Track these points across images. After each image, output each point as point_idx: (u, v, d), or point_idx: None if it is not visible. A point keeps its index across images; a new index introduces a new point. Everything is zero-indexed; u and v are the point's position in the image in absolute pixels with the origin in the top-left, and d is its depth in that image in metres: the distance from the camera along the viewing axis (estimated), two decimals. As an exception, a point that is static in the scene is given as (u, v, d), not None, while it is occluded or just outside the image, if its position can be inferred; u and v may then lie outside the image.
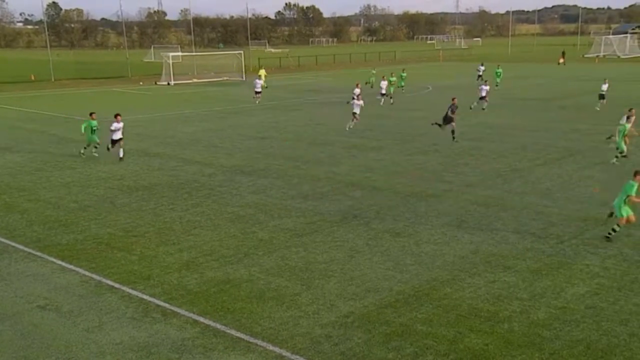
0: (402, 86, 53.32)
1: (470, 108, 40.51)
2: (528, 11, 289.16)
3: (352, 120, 33.27)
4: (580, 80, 63.96)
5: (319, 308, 12.24)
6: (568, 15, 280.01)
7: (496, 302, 12.32)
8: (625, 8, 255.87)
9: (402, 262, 14.56)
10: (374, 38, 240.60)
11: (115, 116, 26.07)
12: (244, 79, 72.36)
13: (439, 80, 65.10)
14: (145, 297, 12.93)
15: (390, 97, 46.74)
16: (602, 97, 40.15)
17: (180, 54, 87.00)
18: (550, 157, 25.91)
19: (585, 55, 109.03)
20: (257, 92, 48.75)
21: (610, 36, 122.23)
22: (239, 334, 11.23)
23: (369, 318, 11.76)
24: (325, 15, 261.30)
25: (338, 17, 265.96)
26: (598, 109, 38.62)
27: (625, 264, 14.02)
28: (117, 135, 26.10)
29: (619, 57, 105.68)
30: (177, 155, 27.88)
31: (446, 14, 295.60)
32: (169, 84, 68.28)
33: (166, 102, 51.46)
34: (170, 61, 70.55)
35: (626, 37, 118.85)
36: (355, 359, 10.30)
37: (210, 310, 12.24)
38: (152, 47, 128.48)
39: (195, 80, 72.65)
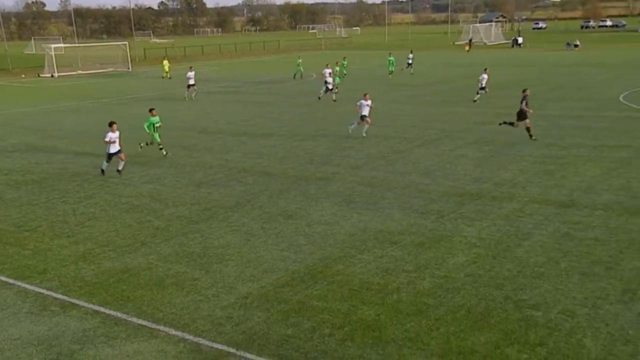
0: (345, 75, 53.59)
1: (475, 101, 38.74)
2: (402, 1, 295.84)
3: (363, 124, 27.36)
4: (454, 66, 66.53)
5: (219, 291, 12.24)
6: (439, 4, 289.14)
7: (385, 275, 12.75)
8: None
9: (296, 243, 14.76)
10: (258, 28, 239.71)
11: (111, 125, 21.15)
12: (130, 69, 70.24)
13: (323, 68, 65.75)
14: (42, 291, 12.47)
15: (336, 88, 42.42)
16: (482, 89, 38.56)
17: (62, 45, 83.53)
18: (427, 138, 26.89)
19: (456, 43, 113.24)
20: (189, 85, 44.14)
21: (477, 24, 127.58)
22: (140, 321, 11.06)
23: (267, 297, 11.88)
24: (209, 5, 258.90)
25: (222, 8, 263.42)
26: (476, 100, 38.03)
27: (499, 234, 14.84)
28: (115, 148, 21.12)
29: (485, 44, 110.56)
30: (66, 148, 26.85)
31: (326, 4, 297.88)
32: (52, 75, 65.34)
33: (51, 95, 49.26)
34: (53, 53, 67.54)
35: (491, 25, 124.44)
36: (256, 337, 10.40)
37: (110, 300, 11.97)
38: (32, 39, 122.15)
39: (80, 71, 69.94)
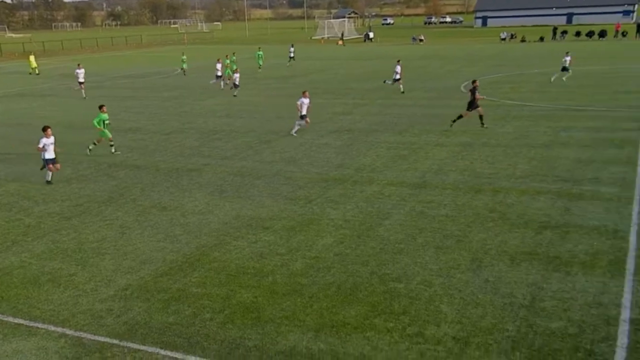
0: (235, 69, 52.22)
1: (385, 82, 40.20)
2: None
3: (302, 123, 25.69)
4: (312, 60, 67.59)
5: (97, 285, 11.88)
6: (295, 1, 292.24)
7: (260, 259, 12.94)
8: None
9: (172, 234, 14.59)
10: (119, 22, 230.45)
11: (44, 129, 18.96)
12: (-15, 65, 65.38)
13: (189, 62, 64.50)
14: None
15: (228, 81, 42.64)
16: (396, 80, 38.22)
17: None
18: (290, 129, 27.31)
19: (313, 37, 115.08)
20: (80, 83, 40.72)
21: (332, 20, 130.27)
22: (17, 320, 10.53)
23: (147, 288, 11.70)
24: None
25: (80, 2, 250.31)
26: (404, 92, 37.72)
27: (362, 215, 15.46)
28: (51, 154, 18.90)
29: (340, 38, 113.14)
30: None
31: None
32: None
33: None
34: None
35: (344, 20, 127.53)
36: (138, 327, 10.23)
37: (-18, 301, 11.30)
38: None
39: None
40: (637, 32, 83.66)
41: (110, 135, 23.03)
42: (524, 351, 9.17)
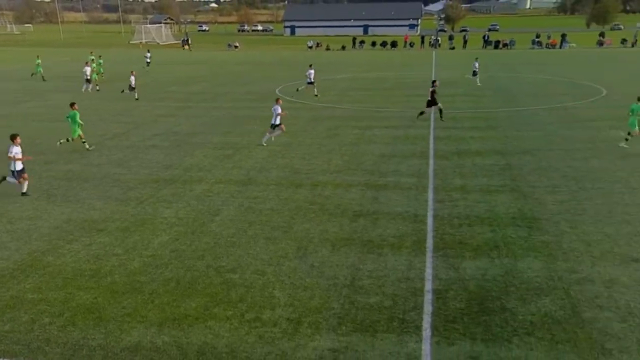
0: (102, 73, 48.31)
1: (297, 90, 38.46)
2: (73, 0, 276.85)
3: (274, 132, 23.29)
4: (131, 64, 64.90)
5: None
6: (109, 5, 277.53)
7: (96, 261, 12.36)
8: (156, 1, 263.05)
9: (0, 241, 13.42)
10: None
11: (13, 138, 16.62)
12: None
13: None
14: None
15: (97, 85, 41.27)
16: (310, 83, 37.41)
17: None
18: (117, 131, 26.19)
19: (131, 42, 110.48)
20: None
21: (148, 25, 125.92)
22: None
23: (-23, 298, 10.71)
24: None
25: None
26: (317, 95, 37.13)
27: (194, 213, 15.35)
28: (20, 165, 16.65)
29: (158, 43, 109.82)
30: None
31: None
32: None
33: None
34: None
35: (161, 26, 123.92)
36: (-29, 338, 9.36)
37: None
38: None
39: None
40: (421, 43, 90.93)
41: (81, 133, 22.21)
42: (349, 325, 9.77)
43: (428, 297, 10.66)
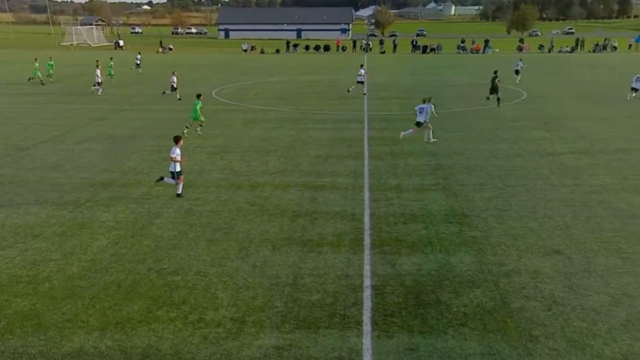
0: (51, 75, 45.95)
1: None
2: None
3: None
4: (66, 66, 62.69)
5: None
6: (37, 6, 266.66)
7: (33, 266, 11.92)
8: (87, 2, 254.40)
9: None
10: None
11: (177, 140, 16.57)
12: None
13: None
14: None
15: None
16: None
17: None
18: (51, 134, 25.27)
19: (61, 44, 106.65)
20: None
21: (80, 27, 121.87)
22: None
23: None
24: None
25: None
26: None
27: (133, 216, 15.01)
28: (179, 167, 16.52)
29: (90, 45, 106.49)
30: None
31: None
32: None
33: None
34: None
35: (92, 27, 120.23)
36: None
37: None
38: None
39: None
40: (353, 47, 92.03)
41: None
42: (292, 323, 9.82)
43: (367, 293, 10.84)
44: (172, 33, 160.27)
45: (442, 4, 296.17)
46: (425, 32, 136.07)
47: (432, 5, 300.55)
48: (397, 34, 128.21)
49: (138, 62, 57.38)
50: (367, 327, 9.69)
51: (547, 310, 10.15)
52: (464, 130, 26.14)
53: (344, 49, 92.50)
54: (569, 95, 37.44)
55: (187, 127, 25.21)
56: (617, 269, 11.73)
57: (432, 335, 9.43)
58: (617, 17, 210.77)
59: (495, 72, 34.19)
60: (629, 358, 8.74)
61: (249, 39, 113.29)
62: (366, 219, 14.74)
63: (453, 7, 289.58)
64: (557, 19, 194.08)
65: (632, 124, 27.07)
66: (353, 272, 11.71)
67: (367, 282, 11.29)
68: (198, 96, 25.28)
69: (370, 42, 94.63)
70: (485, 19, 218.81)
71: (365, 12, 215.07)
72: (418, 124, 23.27)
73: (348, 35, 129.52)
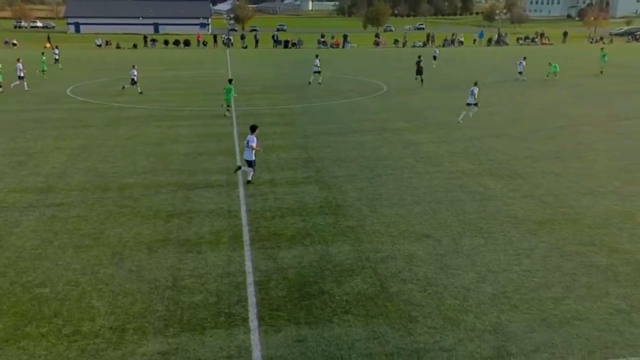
0: None
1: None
2: None
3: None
4: None
5: None
6: None
7: None
8: None
9: None
10: None
11: (253, 129, 17.17)
12: None
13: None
14: None
15: None
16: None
17: None
18: None
19: None
20: None
21: None
22: None
23: None
24: None
25: None
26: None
27: (-12, 227, 13.79)
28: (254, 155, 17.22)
29: None
30: None
31: None
32: None
33: None
34: None
35: None
36: None
37: None
38: None
39: None
40: (214, 42, 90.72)
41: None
42: (176, 326, 9.55)
43: (251, 289, 10.80)
44: (15, 27, 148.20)
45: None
46: (285, 27, 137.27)
47: (289, 0, 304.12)
48: (258, 28, 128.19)
49: (56, 57, 55.55)
50: (253, 323, 9.66)
51: (422, 292, 10.72)
52: (331, 123, 26.79)
53: (204, 43, 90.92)
54: (424, 87, 39.60)
55: (222, 106, 28.99)
56: (481, 248, 12.66)
57: (319, 325, 9.61)
58: (461, 14, 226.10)
59: (419, 57, 41.65)
60: (498, 329, 9.48)
61: (103, 34, 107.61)
62: (243, 215, 14.66)
63: (310, 3, 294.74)
64: (408, 15, 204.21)
65: (483, 113, 29.24)
66: (235, 270, 11.60)
67: (250, 278, 11.25)
68: (230, 81, 29.15)
69: (231, 37, 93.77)
70: (342, 14, 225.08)
71: (224, 6, 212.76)
72: (468, 105, 26.77)
73: (208, 30, 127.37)
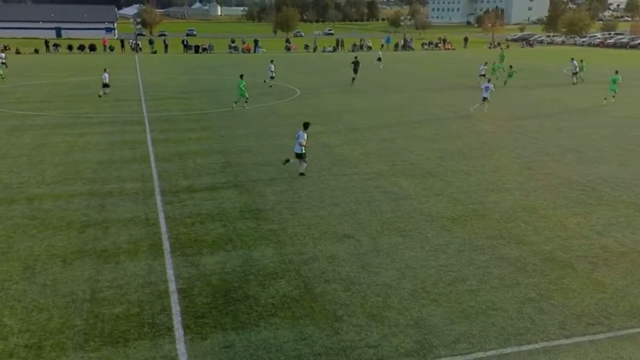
0: None
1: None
2: None
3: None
4: None
5: None
6: None
7: None
8: None
9: None
10: None
11: (306, 126, 18.64)
12: None
13: None
14: None
15: None
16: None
17: None
18: None
19: None
20: None
21: None
22: None
23: None
24: None
25: None
26: None
27: None
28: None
29: None
30: None
31: None
32: None
33: None
34: None
35: None
36: None
37: None
38: None
39: None
40: (122, 47, 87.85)
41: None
42: (97, 340, 9.17)
43: (174, 298, 10.54)
44: None
45: (208, 4, 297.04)
46: (195, 32, 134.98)
47: (197, 5, 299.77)
48: (167, 33, 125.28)
49: (3, 61, 51.78)
50: (179, 332, 9.44)
51: (346, 291, 10.86)
52: (247, 127, 26.62)
53: (111, 48, 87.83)
54: (337, 91, 40.17)
55: (235, 102, 31.93)
56: (399, 246, 12.99)
57: (245, 330, 9.52)
58: (368, 20, 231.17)
59: (356, 57, 46.24)
60: (420, 323, 9.75)
61: (1, 38, 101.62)
62: (162, 223, 14.28)
63: (219, 8, 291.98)
64: (317, 21, 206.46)
65: (394, 115, 30.01)
66: (156, 278, 11.29)
67: (173, 286, 10.98)
68: (241, 76, 31.99)
69: (139, 42, 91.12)
70: (252, 19, 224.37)
71: (130, 10, 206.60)
72: (484, 99, 30.26)
73: (114, 35, 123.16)
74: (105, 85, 36.07)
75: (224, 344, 9.11)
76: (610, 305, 10.37)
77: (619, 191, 17.10)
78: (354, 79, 44.18)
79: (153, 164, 19.81)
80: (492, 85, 30.89)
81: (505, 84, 43.00)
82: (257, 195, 16.51)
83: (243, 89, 31.07)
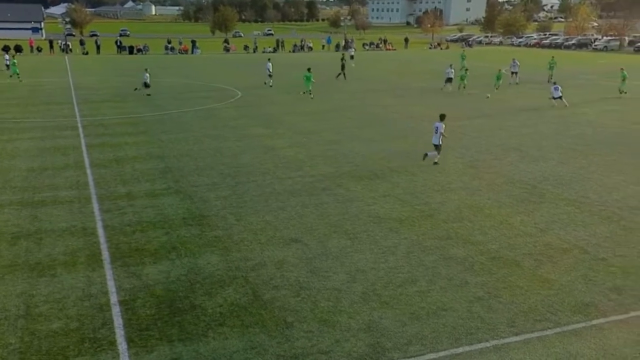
0: None
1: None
2: None
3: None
4: None
5: None
6: None
7: None
8: None
9: None
10: None
11: (443, 118, 20.46)
12: None
13: None
14: None
15: None
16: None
17: None
18: None
19: None
20: None
21: None
22: None
23: None
24: None
25: None
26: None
27: None
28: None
29: None
30: None
31: None
32: None
33: None
34: None
35: None
36: None
37: None
38: None
39: None
40: (50, 48, 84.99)
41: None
42: (34, 358, 8.82)
43: (116, 310, 10.25)
44: None
45: (141, 3, 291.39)
46: (128, 32, 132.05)
47: (130, 4, 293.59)
48: (99, 33, 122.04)
49: (7, 62, 51.02)
50: (122, 346, 9.18)
51: (296, 296, 10.83)
52: (186, 131, 26.22)
53: (39, 49, 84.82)
54: (279, 93, 40.08)
55: (304, 93, 37.33)
56: (348, 249, 13.06)
57: (193, 340, 9.35)
58: (307, 20, 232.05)
59: (343, 54, 52.57)
60: (371, 326, 9.83)
61: None
62: (100, 232, 13.88)
63: (153, 7, 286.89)
64: (255, 21, 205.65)
65: (337, 117, 30.20)
66: (96, 291, 10.95)
67: (114, 298, 10.68)
68: (309, 69, 37.29)
69: (69, 43, 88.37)
70: (188, 19, 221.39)
71: (58, 9, 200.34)
72: (559, 98, 33.56)
73: (42, 35, 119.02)
74: (147, 85, 37.86)
75: (170, 357, 8.92)
76: (556, 301, 10.74)
77: (560, 189, 17.76)
78: (342, 75, 48.23)
79: (88, 171, 19.24)
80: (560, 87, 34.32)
81: (464, 88, 41.59)
82: (200, 201, 16.27)
83: (309, 82, 37.04)
